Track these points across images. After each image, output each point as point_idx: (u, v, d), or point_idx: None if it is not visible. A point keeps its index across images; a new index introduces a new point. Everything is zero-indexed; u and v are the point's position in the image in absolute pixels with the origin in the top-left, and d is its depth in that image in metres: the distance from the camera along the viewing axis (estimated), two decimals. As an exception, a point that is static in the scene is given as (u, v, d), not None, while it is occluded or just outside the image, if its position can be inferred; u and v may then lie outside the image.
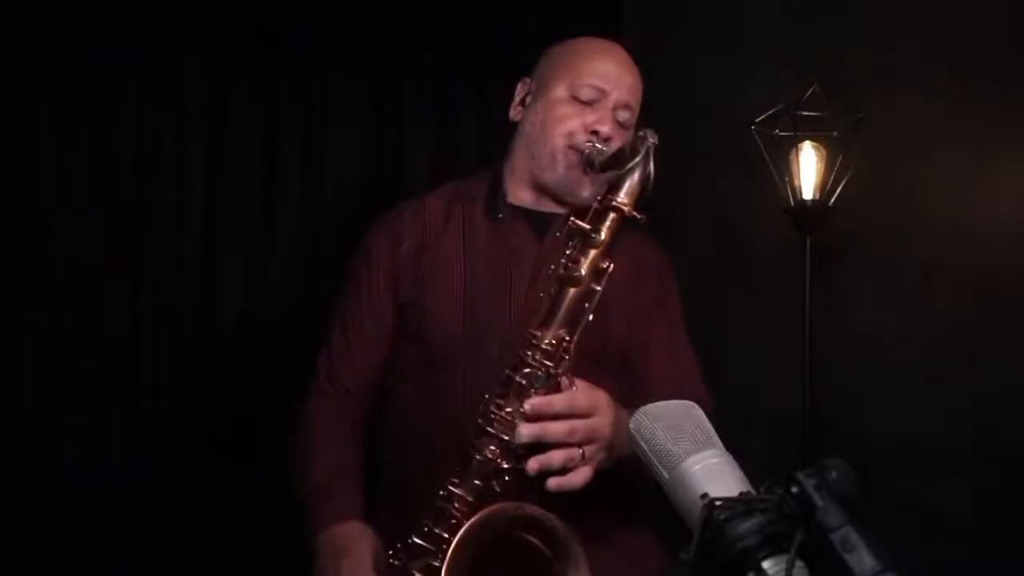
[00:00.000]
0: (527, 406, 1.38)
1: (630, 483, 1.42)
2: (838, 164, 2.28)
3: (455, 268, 1.61)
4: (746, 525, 0.85)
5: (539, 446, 1.39)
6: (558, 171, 1.59)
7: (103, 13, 2.10)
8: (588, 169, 1.54)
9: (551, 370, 1.40)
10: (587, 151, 1.54)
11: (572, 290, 1.41)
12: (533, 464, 1.37)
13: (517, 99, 1.69)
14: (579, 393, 1.41)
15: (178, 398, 2.18)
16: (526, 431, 1.38)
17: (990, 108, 2.16)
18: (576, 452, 1.38)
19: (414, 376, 1.63)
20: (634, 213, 1.42)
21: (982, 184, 2.19)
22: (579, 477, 1.39)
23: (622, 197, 1.42)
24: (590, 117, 1.58)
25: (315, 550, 1.51)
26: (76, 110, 2.08)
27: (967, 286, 2.19)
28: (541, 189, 1.64)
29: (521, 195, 1.66)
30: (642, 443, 1.03)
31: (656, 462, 1.01)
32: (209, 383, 2.21)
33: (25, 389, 2.03)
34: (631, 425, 1.06)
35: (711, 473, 0.96)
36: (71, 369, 2.07)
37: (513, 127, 1.70)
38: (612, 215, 1.42)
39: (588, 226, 1.43)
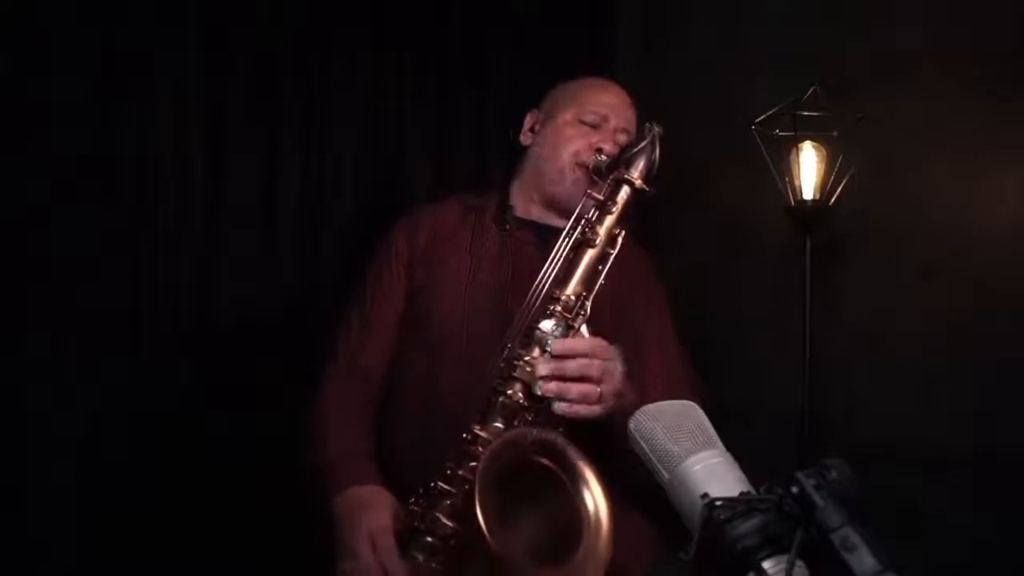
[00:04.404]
0: (556, 344, 1.48)
1: (627, 478, 1.43)
2: (838, 164, 2.28)
3: (462, 261, 1.76)
4: (746, 525, 0.85)
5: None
6: (566, 184, 1.75)
7: (103, 13, 2.10)
8: (596, 177, 1.69)
9: (569, 321, 1.52)
10: (592, 163, 1.71)
11: (589, 251, 1.56)
12: (551, 387, 1.47)
13: (526, 127, 1.88)
14: (600, 339, 1.52)
15: (178, 398, 2.17)
16: (544, 368, 1.48)
17: (990, 108, 2.16)
18: (594, 389, 1.48)
19: (415, 360, 1.72)
20: (644, 186, 1.58)
21: (982, 184, 2.19)
22: (586, 409, 1.48)
23: (633, 172, 1.59)
24: (594, 137, 1.76)
25: (333, 514, 1.56)
26: (76, 110, 2.08)
27: (967, 286, 2.19)
28: (549, 203, 1.79)
29: (529, 209, 1.82)
30: (642, 443, 1.03)
31: (656, 462, 1.01)
32: (209, 383, 2.21)
33: (25, 389, 2.02)
34: (631, 425, 1.06)
35: (711, 473, 0.96)
36: (71, 368, 2.07)
37: (520, 149, 1.88)
38: (625, 188, 1.59)
39: (603, 197, 1.60)
